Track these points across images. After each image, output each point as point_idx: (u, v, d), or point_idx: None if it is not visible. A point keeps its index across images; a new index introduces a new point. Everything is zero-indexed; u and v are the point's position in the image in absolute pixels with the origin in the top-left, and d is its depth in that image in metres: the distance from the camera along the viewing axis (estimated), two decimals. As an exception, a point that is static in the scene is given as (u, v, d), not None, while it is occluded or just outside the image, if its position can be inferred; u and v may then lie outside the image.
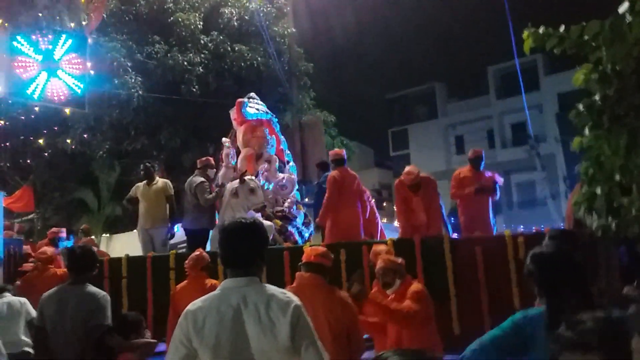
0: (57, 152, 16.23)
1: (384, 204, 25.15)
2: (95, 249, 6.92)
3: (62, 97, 10.16)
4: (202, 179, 7.95)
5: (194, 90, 15.80)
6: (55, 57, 10.10)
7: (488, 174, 8.00)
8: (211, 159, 8.54)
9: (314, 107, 19.66)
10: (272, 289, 2.68)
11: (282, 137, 10.04)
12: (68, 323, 4.12)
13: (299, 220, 8.49)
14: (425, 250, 6.36)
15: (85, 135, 15.69)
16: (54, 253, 7.26)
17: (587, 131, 4.83)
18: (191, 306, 2.64)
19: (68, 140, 15.62)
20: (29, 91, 9.91)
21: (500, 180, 8.09)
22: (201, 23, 16.75)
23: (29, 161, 16.95)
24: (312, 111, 19.19)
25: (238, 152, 9.21)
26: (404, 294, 4.64)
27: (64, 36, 10.32)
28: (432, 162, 31.40)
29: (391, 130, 37.16)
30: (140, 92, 15.05)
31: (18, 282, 6.92)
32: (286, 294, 2.69)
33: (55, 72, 10.05)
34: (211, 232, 7.88)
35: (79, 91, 10.25)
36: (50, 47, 10.08)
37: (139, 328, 4.04)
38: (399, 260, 4.95)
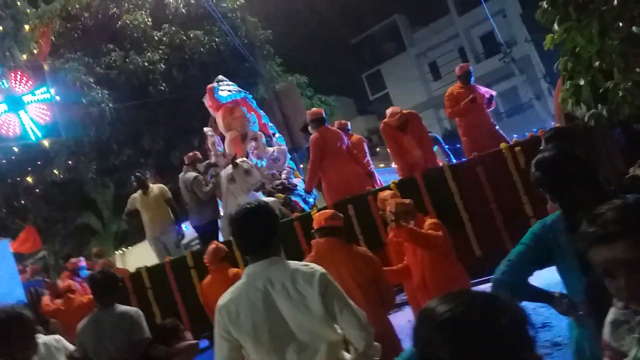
0: (48, 185, 16.14)
1: (377, 149, 25.13)
2: (113, 268, 6.98)
3: (46, 120, 10.18)
4: (195, 174, 7.95)
5: (162, 88, 15.63)
6: (17, 94, 10.02)
7: (480, 88, 7.96)
8: (197, 153, 8.52)
9: (283, 72, 19.46)
10: (294, 264, 2.74)
11: (261, 111, 9.98)
12: (109, 348, 4.20)
13: (300, 188, 8.52)
14: (428, 184, 6.39)
15: (70, 162, 15.57)
16: (70, 283, 7.31)
17: (556, 26, 4.82)
18: (222, 300, 2.72)
19: (55, 171, 15.51)
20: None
21: (493, 92, 8.08)
22: (149, 20, 16.43)
23: (22, 202, 16.87)
24: (283, 77, 19.02)
25: (223, 138, 9.17)
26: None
27: (19, 72, 10.23)
28: (412, 96, 31.30)
29: (365, 74, 36.84)
30: (110, 105, 14.86)
31: (53, 320, 7.01)
32: (309, 265, 2.75)
33: (24, 108, 10.01)
34: (219, 222, 7.92)
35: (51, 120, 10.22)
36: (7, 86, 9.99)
37: (179, 332, 4.10)
38: (407, 201, 5.00)
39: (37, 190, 16.48)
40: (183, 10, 16.82)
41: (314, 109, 7.96)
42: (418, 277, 4.81)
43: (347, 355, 2.69)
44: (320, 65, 23.74)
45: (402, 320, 6.15)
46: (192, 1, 16.87)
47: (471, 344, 1.14)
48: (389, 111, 7.08)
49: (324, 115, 7.47)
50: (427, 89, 33.84)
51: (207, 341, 6.52)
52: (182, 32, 16.32)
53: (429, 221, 4.81)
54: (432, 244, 4.63)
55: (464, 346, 1.14)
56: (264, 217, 2.75)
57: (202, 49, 16.12)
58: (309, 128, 7.48)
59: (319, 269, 2.69)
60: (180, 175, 8.19)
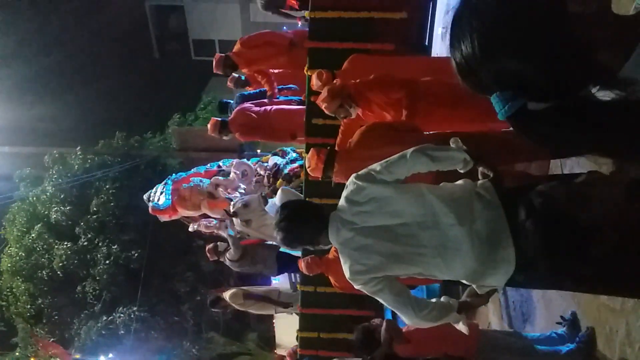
0: None
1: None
2: None
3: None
4: (227, 257, 7.97)
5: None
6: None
7: None
8: (210, 249, 8.40)
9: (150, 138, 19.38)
10: (341, 199, 2.86)
11: (190, 172, 9.80)
12: None
13: (280, 162, 8.49)
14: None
15: None
16: None
17: None
18: (349, 273, 2.81)
19: None
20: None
21: None
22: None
23: None
24: (152, 142, 18.93)
25: (204, 216, 9.05)
26: (368, 100, 4.62)
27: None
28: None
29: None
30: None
31: None
32: (348, 183, 2.85)
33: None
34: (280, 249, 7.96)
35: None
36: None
37: None
38: (326, 81, 4.90)
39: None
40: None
41: (209, 123, 7.77)
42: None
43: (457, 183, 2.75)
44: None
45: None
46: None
47: None
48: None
49: (224, 117, 7.58)
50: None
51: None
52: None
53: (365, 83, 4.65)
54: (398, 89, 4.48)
55: None
56: (297, 215, 2.90)
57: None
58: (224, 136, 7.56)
59: (351, 179, 2.82)
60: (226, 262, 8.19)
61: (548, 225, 2.14)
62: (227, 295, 8.45)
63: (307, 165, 4.99)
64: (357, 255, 2.71)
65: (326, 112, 4.76)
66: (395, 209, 2.65)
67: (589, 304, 4.00)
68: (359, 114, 4.71)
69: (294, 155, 8.54)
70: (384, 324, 4.13)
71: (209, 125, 7.69)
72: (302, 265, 6.22)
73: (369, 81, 4.60)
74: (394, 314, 7.29)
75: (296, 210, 2.93)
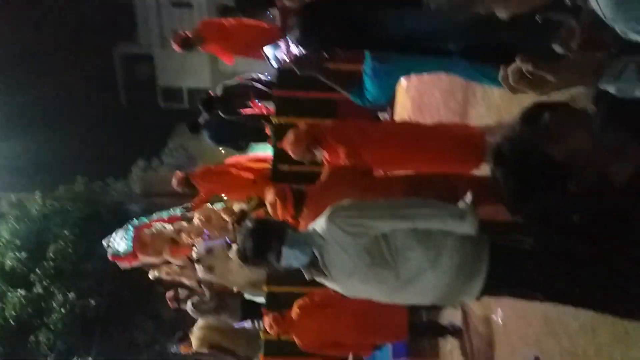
0: None
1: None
2: None
3: None
4: (190, 308, 7.82)
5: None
6: None
7: None
8: (170, 295, 8.24)
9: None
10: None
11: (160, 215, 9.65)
12: None
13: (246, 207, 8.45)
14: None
15: None
16: None
17: None
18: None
19: None
20: None
21: None
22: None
23: None
24: None
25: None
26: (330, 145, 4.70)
27: None
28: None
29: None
30: None
31: None
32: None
33: None
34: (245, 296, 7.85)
35: None
36: None
37: None
38: (296, 135, 4.87)
39: None
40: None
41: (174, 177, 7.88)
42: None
43: None
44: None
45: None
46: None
47: None
48: None
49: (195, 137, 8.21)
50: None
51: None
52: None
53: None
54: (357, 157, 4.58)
55: None
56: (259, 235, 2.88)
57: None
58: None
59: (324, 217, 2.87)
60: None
61: (520, 166, 1.91)
62: (194, 345, 8.18)
63: (272, 213, 4.96)
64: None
65: (293, 156, 4.80)
66: None
67: (551, 350, 4.04)
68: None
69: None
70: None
71: (173, 179, 7.83)
72: (266, 322, 6.11)
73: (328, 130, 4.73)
74: None
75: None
